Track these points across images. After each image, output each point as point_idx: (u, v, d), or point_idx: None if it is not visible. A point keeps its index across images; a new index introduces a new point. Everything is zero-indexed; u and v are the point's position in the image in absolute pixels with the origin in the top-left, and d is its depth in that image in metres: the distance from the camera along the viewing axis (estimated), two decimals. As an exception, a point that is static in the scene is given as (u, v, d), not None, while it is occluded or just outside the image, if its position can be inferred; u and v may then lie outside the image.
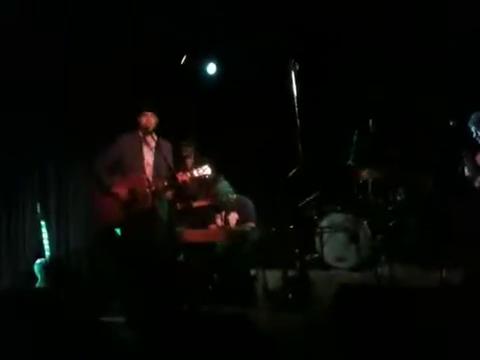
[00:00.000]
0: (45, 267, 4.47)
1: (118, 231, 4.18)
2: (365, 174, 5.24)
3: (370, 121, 4.98)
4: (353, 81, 5.45)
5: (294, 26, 5.25)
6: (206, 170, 4.11)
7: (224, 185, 4.76)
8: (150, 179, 4.12)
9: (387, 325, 2.49)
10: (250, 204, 4.81)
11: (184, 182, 4.10)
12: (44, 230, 4.57)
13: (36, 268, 4.46)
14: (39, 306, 3.05)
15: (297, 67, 3.73)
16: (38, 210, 4.64)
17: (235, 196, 4.79)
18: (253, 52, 5.38)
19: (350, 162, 5.24)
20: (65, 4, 4.65)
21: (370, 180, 5.22)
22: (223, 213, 4.81)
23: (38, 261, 4.48)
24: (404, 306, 2.51)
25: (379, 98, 5.28)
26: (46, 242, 4.55)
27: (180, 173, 4.07)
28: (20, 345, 2.72)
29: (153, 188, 4.05)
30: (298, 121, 3.71)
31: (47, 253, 4.53)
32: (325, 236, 5.32)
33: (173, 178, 4.02)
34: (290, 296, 4.08)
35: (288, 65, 3.73)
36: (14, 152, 4.73)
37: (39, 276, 4.44)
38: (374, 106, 5.23)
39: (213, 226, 4.82)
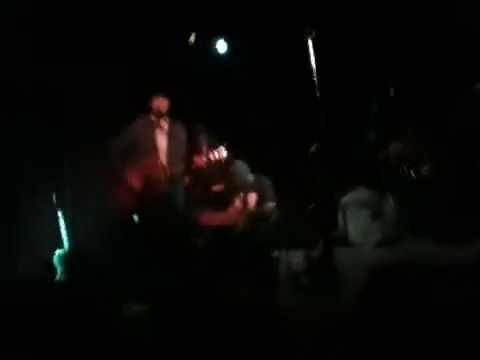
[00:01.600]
0: (64, 258, 4.43)
1: (135, 217, 4.10)
2: (389, 147, 5.03)
3: (391, 88, 4.72)
4: (372, 47, 5.18)
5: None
6: (222, 152, 3.98)
7: (240, 166, 4.63)
8: (164, 163, 4.02)
9: (421, 306, 2.35)
10: (268, 184, 4.68)
11: (199, 166, 3.98)
12: (61, 220, 4.53)
13: (55, 260, 4.42)
14: (59, 297, 3.01)
15: (313, 34, 3.51)
16: (54, 200, 4.59)
17: (252, 176, 4.66)
18: (265, 24, 5.16)
19: (371, 134, 5.03)
20: None
21: (393, 152, 5.00)
22: (241, 194, 4.68)
23: (57, 252, 4.45)
24: (439, 286, 2.36)
25: (400, 64, 5.03)
26: (64, 232, 4.51)
27: (195, 157, 3.96)
28: (41, 336, 2.70)
29: (167, 173, 3.95)
30: (317, 93, 3.49)
31: (65, 244, 4.48)
32: (348, 213, 5.15)
33: (188, 162, 3.91)
34: (314, 276, 3.96)
35: (303, 33, 3.50)
36: (29, 142, 4.68)
37: (59, 268, 4.41)
38: (395, 72, 4.98)
39: (232, 208, 4.70)
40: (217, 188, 4.88)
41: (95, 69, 4.77)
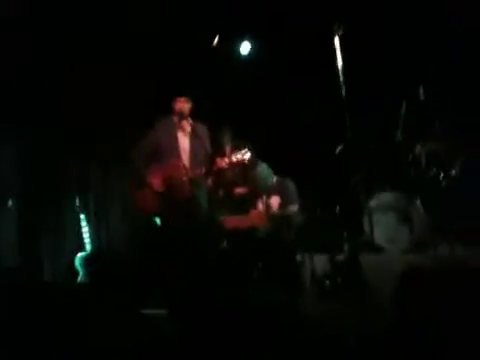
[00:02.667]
0: (86, 261, 4.42)
1: (158, 220, 4.06)
2: (417, 148, 4.88)
3: (420, 89, 4.56)
4: (401, 45, 5.03)
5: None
6: (245, 154, 3.90)
7: (263, 169, 4.55)
8: (187, 165, 3.96)
9: (450, 313, 2.22)
10: (292, 186, 4.59)
11: (222, 168, 3.90)
12: (84, 223, 4.53)
13: (77, 262, 4.42)
14: (81, 300, 2.98)
15: (342, 31, 3.38)
16: (77, 203, 4.59)
17: (275, 179, 4.57)
18: (290, 23, 5.07)
19: (399, 136, 4.88)
20: None
21: (422, 155, 4.83)
22: (264, 197, 4.60)
23: (79, 255, 4.44)
24: (469, 293, 2.23)
25: (431, 64, 4.87)
26: (86, 235, 4.50)
27: (218, 159, 3.88)
28: (62, 338, 2.67)
29: (190, 175, 3.89)
30: (344, 91, 3.37)
31: (88, 246, 4.48)
32: (375, 217, 5.00)
33: (211, 164, 3.84)
34: (339, 281, 3.84)
35: (332, 29, 3.38)
36: (53, 146, 4.70)
37: (81, 270, 4.40)
38: (425, 73, 4.82)
39: (255, 211, 4.62)
40: (240, 190, 4.81)
41: (119, 72, 4.77)
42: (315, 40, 4.42)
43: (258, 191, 4.62)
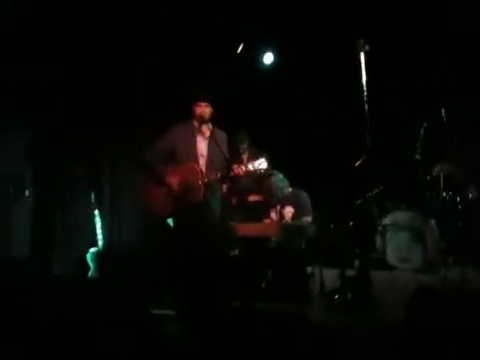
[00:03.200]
0: (98, 256, 4.45)
1: (170, 222, 4.07)
2: (434, 169, 4.85)
3: (442, 111, 4.54)
4: (424, 66, 5.03)
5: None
6: (262, 164, 3.90)
7: (279, 179, 4.56)
8: (203, 170, 3.97)
9: (459, 334, 2.20)
10: (306, 197, 4.58)
11: (238, 175, 3.90)
12: (98, 219, 4.56)
13: (89, 257, 4.44)
14: (90, 296, 2.99)
15: (367, 48, 3.37)
16: (92, 199, 4.63)
17: (290, 189, 4.57)
18: (314, 38, 5.11)
19: (418, 156, 4.86)
20: None
21: (440, 176, 4.80)
22: (278, 207, 4.60)
23: (91, 250, 4.47)
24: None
25: (452, 86, 4.86)
26: (99, 231, 4.53)
27: (235, 166, 3.88)
28: (69, 333, 2.68)
29: (206, 179, 3.90)
30: (366, 107, 3.36)
31: (100, 242, 4.51)
32: (388, 235, 4.97)
33: (227, 170, 3.84)
34: (349, 297, 3.82)
35: (356, 46, 3.37)
36: (68, 142, 4.75)
37: (92, 265, 4.42)
38: (446, 95, 4.81)
39: (268, 220, 4.62)
40: (254, 198, 4.81)
41: (141, 73, 4.81)
42: (338, 54, 4.42)
43: (273, 200, 4.61)
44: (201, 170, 3.94)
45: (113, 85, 4.83)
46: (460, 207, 4.84)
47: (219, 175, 3.88)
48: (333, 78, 5.18)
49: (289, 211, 4.56)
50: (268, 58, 5.66)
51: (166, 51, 4.93)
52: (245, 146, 5.21)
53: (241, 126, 5.23)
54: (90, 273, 4.41)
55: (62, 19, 4.42)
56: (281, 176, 4.61)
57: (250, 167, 3.88)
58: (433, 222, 4.87)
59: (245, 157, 5.27)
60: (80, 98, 4.72)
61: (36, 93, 4.55)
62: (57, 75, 4.56)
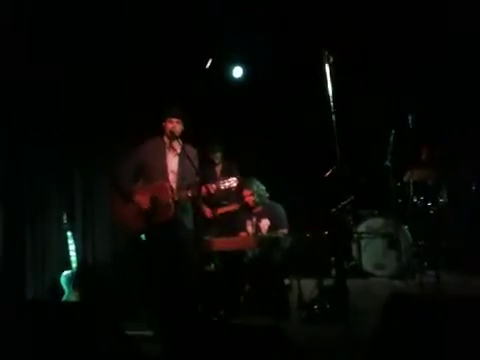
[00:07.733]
0: (72, 279, 4.35)
1: (143, 237, 4.02)
2: (405, 176, 4.94)
3: (409, 117, 4.63)
4: (391, 74, 5.13)
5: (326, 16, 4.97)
6: (233, 183, 3.90)
7: (257, 185, 4.58)
8: (174, 186, 3.94)
9: (436, 339, 2.22)
10: (281, 210, 4.58)
11: (209, 194, 3.88)
12: (71, 241, 4.46)
13: (63, 280, 4.34)
14: (65, 319, 2.92)
15: (331, 60, 3.43)
16: (64, 220, 4.53)
17: (267, 200, 4.59)
18: (281, 50, 5.17)
19: (388, 163, 4.94)
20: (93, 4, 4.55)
21: (410, 182, 4.88)
22: (254, 219, 4.59)
23: (65, 273, 4.37)
24: (455, 319, 2.23)
25: (419, 92, 4.96)
26: (73, 254, 4.43)
27: (206, 186, 3.85)
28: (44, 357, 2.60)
29: (176, 197, 3.87)
30: (334, 117, 3.40)
31: (74, 265, 4.41)
32: (363, 242, 5.02)
33: (197, 189, 3.81)
34: (327, 306, 3.82)
35: (321, 58, 3.42)
36: (39, 162, 4.65)
37: (66, 288, 4.32)
38: (413, 101, 4.91)
39: (244, 233, 4.61)
40: (221, 210, 4.82)
41: (108, 88, 4.77)
42: (305, 66, 4.48)
43: (249, 207, 4.62)
44: (171, 187, 3.91)
45: (85, 103, 4.77)
46: (431, 212, 4.93)
47: (190, 194, 3.85)
48: (302, 89, 5.26)
49: (265, 224, 4.56)
50: (237, 72, 5.72)
51: (137, 67, 4.90)
52: (219, 155, 5.22)
53: (214, 140, 5.24)
54: (65, 297, 4.31)
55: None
56: (258, 182, 4.63)
57: (221, 186, 3.86)
58: (406, 228, 4.95)
59: (218, 169, 5.27)
60: (49, 115, 4.63)
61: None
62: (28, 93, 4.46)
